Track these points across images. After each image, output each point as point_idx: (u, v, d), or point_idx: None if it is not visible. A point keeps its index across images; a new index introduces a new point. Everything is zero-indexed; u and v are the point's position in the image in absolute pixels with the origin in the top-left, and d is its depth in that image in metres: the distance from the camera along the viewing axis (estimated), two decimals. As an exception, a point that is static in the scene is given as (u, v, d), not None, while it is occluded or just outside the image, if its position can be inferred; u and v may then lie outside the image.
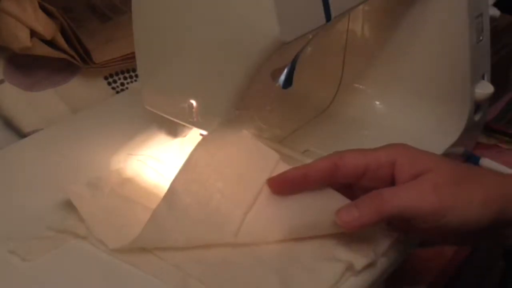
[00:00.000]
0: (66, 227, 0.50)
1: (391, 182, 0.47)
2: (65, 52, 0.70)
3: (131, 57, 0.71)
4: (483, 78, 0.65)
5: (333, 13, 0.47)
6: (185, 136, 0.61)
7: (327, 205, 0.48)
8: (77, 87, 0.72)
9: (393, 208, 0.45)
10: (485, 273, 0.70)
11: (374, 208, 0.45)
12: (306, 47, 0.51)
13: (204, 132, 0.55)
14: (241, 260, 0.48)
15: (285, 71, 0.52)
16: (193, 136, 0.60)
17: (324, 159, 0.48)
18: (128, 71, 0.75)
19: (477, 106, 0.65)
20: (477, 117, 0.65)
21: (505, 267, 0.73)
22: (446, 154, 0.61)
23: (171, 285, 0.46)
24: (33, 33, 0.67)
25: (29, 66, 0.71)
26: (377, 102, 0.67)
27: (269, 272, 0.46)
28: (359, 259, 0.47)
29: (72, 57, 0.70)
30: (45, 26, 0.67)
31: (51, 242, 0.49)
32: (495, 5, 0.77)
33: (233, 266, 0.47)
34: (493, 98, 0.66)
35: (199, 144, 0.51)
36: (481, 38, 0.63)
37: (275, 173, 0.50)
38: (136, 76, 0.75)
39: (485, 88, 0.63)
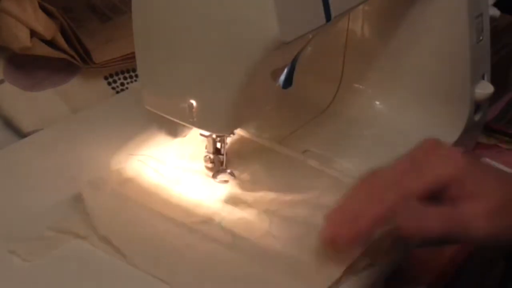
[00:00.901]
0: (67, 227, 0.50)
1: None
2: (65, 52, 0.70)
3: (131, 57, 0.71)
4: (483, 78, 0.65)
5: (333, 13, 0.47)
6: (185, 136, 0.61)
7: None
8: (77, 87, 0.72)
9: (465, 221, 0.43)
10: (485, 273, 0.70)
11: (441, 216, 0.43)
12: (306, 47, 0.51)
13: (204, 132, 0.55)
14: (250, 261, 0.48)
15: (285, 71, 0.52)
16: (193, 136, 0.60)
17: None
18: (128, 71, 0.75)
19: (477, 106, 0.65)
20: (477, 117, 0.65)
21: (505, 267, 0.73)
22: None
23: (175, 284, 0.46)
24: (33, 33, 0.67)
25: (29, 66, 0.71)
26: (377, 102, 0.67)
27: (271, 268, 0.46)
28: (359, 259, 0.47)
29: (72, 57, 0.70)
30: (45, 26, 0.67)
31: (52, 242, 0.49)
32: (495, 5, 0.77)
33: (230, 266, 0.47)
34: (493, 98, 0.66)
35: None
36: (481, 38, 0.63)
37: None
38: (136, 76, 0.75)
39: (485, 88, 0.63)
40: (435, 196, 0.44)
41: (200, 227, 0.51)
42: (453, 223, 0.43)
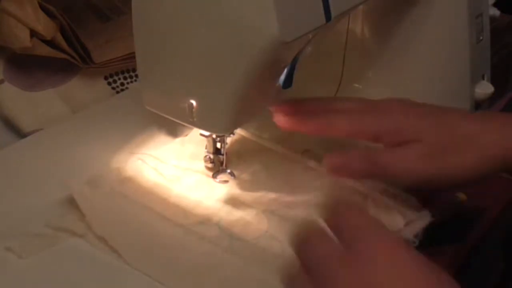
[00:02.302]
0: (64, 226, 0.50)
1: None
2: (65, 52, 0.70)
3: (131, 57, 0.71)
4: (483, 78, 0.65)
5: (333, 13, 0.47)
6: (185, 136, 0.61)
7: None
8: (77, 87, 0.72)
9: (383, 163, 0.48)
10: (485, 274, 0.70)
11: (364, 158, 0.48)
12: (306, 47, 0.51)
13: (204, 132, 0.55)
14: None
15: (285, 71, 0.52)
16: (193, 136, 0.60)
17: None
18: (128, 71, 0.75)
19: (477, 106, 0.65)
20: (477, 117, 0.65)
21: (505, 268, 0.73)
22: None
23: (170, 285, 0.46)
24: (33, 33, 0.67)
25: (29, 66, 0.71)
26: (377, 102, 0.67)
27: (269, 269, 0.46)
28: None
29: (72, 57, 0.70)
30: (45, 26, 0.67)
31: (48, 240, 0.49)
32: (495, 5, 0.77)
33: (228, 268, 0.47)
34: (493, 98, 0.66)
35: None
36: (481, 38, 0.63)
37: None
38: (136, 76, 0.75)
39: (485, 88, 0.63)
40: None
41: (198, 227, 0.51)
42: (373, 164, 0.48)
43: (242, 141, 0.61)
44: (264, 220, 0.51)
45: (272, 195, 0.54)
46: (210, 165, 0.57)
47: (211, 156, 0.56)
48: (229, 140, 0.58)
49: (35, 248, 0.48)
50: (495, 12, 0.75)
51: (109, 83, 0.74)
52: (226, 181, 0.56)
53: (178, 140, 0.61)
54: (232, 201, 0.53)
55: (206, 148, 0.57)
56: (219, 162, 0.56)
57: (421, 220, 0.50)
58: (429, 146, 0.48)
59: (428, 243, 0.52)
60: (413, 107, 0.51)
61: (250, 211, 0.52)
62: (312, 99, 0.55)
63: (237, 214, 0.52)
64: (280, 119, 0.53)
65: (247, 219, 0.51)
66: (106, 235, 0.49)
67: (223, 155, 0.56)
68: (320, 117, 0.52)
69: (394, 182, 0.51)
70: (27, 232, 0.50)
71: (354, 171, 0.49)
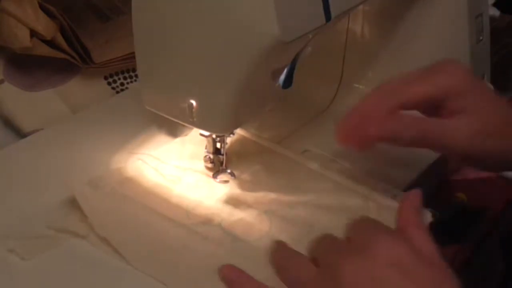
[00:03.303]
0: (66, 227, 0.50)
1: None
2: (65, 52, 0.70)
3: (131, 57, 0.71)
4: (483, 78, 0.65)
5: (333, 13, 0.47)
6: (185, 136, 0.61)
7: None
8: (77, 87, 0.72)
9: (436, 133, 0.47)
10: (485, 274, 0.70)
11: (415, 126, 0.47)
12: (306, 47, 0.51)
13: (204, 132, 0.55)
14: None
15: (285, 71, 0.52)
16: (193, 136, 0.60)
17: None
18: (128, 71, 0.75)
19: (477, 106, 0.65)
20: (477, 117, 0.65)
21: (506, 268, 0.73)
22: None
23: (173, 286, 0.46)
24: (33, 33, 0.67)
25: (29, 66, 0.71)
26: (377, 102, 0.67)
27: (271, 273, 0.46)
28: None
29: (72, 57, 0.70)
30: (45, 26, 0.67)
31: (51, 241, 0.49)
32: (495, 5, 0.77)
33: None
34: (493, 98, 0.66)
35: None
36: (481, 38, 0.62)
37: None
38: (136, 76, 0.75)
39: (485, 88, 0.63)
40: (437, 105, 0.47)
41: (199, 228, 0.51)
42: (424, 133, 0.47)
43: (242, 141, 0.61)
44: (266, 221, 0.51)
45: (272, 195, 0.54)
46: (210, 165, 0.57)
47: (211, 156, 0.56)
48: (229, 140, 0.58)
49: (37, 249, 0.48)
50: (495, 12, 0.75)
51: (109, 83, 0.74)
52: (226, 181, 0.56)
53: (178, 140, 0.61)
54: (233, 202, 0.53)
55: (206, 148, 0.57)
56: (219, 162, 0.56)
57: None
58: (486, 123, 0.47)
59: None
60: (476, 80, 0.49)
61: (251, 211, 0.52)
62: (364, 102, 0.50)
63: (238, 215, 0.52)
64: (342, 137, 0.50)
65: (248, 220, 0.51)
66: (108, 236, 0.49)
67: (223, 155, 0.56)
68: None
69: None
70: (29, 233, 0.50)
71: (402, 138, 0.47)
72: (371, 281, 0.37)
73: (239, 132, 0.61)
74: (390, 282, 0.37)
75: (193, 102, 0.50)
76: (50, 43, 0.69)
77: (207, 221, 0.51)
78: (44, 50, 0.69)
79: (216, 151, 0.56)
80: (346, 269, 0.37)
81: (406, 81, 0.49)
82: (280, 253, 0.42)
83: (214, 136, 0.55)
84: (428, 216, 0.50)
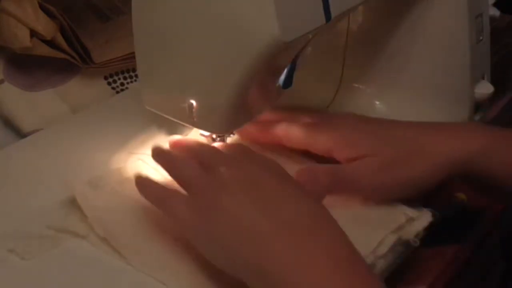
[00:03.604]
0: (66, 227, 0.50)
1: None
2: (65, 52, 0.70)
3: (131, 57, 0.71)
4: (483, 78, 0.65)
5: (333, 13, 0.47)
6: (185, 136, 0.61)
7: None
8: (77, 87, 0.72)
9: (348, 178, 0.51)
10: (485, 274, 0.70)
11: (330, 174, 0.51)
12: (306, 47, 0.51)
13: (204, 132, 0.55)
14: None
15: (285, 71, 0.52)
16: (193, 136, 0.60)
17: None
18: (128, 71, 0.75)
19: (477, 106, 0.65)
20: (477, 117, 0.65)
21: (506, 268, 0.73)
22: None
23: (173, 286, 0.46)
24: (33, 33, 0.67)
25: (29, 66, 0.71)
26: (377, 102, 0.67)
27: None
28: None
29: (72, 57, 0.70)
30: (45, 26, 0.67)
31: (51, 241, 0.49)
32: (495, 5, 0.77)
33: None
34: (493, 98, 0.66)
35: None
36: (481, 38, 0.62)
37: None
38: (136, 76, 0.75)
39: (485, 88, 0.63)
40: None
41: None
42: (339, 177, 0.51)
43: (242, 141, 0.61)
44: None
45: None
46: (210, 165, 0.57)
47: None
48: (229, 140, 0.58)
49: (37, 249, 0.48)
50: (495, 12, 0.75)
51: (109, 83, 0.74)
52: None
53: (178, 140, 0.61)
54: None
55: (206, 148, 0.57)
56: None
57: (422, 220, 0.50)
58: (383, 160, 0.51)
59: (429, 243, 0.52)
60: (365, 124, 0.55)
61: None
62: (274, 111, 0.58)
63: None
64: (243, 131, 0.57)
65: None
66: (108, 236, 0.49)
67: (223, 155, 0.56)
68: (277, 127, 0.56)
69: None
70: (29, 233, 0.50)
71: (323, 186, 0.51)
72: (250, 183, 0.44)
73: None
74: (266, 183, 0.44)
75: (193, 102, 0.50)
76: (50, 43, 0.69)
77: None
78: (44, 50, 0.69)
79: (216, 151, 0.56)
80: (228, 173, 0.45)
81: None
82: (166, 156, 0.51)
83: (214, 136, 0.55)
84: (428, 216, 0.50)
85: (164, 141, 0.60)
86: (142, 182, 0.50)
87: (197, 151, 0.50)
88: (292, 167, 0.55)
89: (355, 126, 0.54)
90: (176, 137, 0.55)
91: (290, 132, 0.55)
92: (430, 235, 0.51)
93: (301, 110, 0.58)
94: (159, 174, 0.56)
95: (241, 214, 0.43)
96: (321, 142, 0.54)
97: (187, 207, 0.45)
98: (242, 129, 0.57)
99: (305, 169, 0.51)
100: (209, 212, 0.44)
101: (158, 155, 0.52)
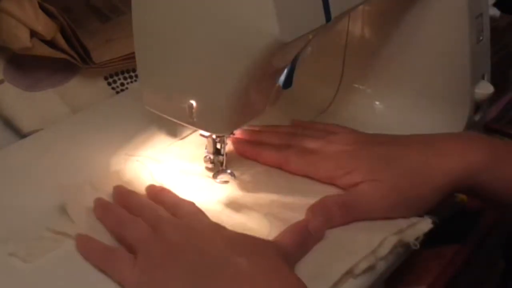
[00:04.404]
0: (66, 228, 0.50)
1: None
2: (65, 52, 0.70)
3: (131, 57, 0.71)
4: (483, 78, 0.65)
5: (333, 13, 0.47)
6: (185, 136, 0.61)
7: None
8: (77, 87, 0.72)
9: (358, 208, 0.51)
10: (485, 274, 0.70)
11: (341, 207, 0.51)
12: (306, 47, 0.51)
13: (204, 133, 0.55)
14: None
15: (285, 71, 0.52)
16: (193, 136, 0.60)
17: (274, 153, 0.57)
18: (128, 71, 0.75)
19: (477, 106, 0.65)
20: (477, 117, 0.65)
21: (505, 268, 0.73)
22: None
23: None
24: (33, 33, 0.67)
25: (29, 66, 0.71)
26: (377, 102, 0.67)
27: None
28: (360, 263, 0.46)
29: (72, 57, 0.70)
30: (45, 26, 0.67)
31: (51, 243, 0.49)
32: (495, 5, 0.77)
33: None
34: (493, 98, 0.66)
35: None
36: (481, 38, 0.62)
37: None
38: (136, 76, 0.75)
39: (485, 88, 0.63)
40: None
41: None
42: (351, 207, 0.51)
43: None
44: (266, 225, 0.51)
45: (273, 197, 0.54)
46: (210, 165, 0.57)
47: (211, 156, 0.56)
48: (229, 140, 0.58)
49: (38, 251, 0.48)
50: (495, 12, 0.75)
51: (109, 83, 0.74)
52: (226, 182, 0.56)
53: (178, 140, 0.61)
54: (233, 203, 0.53)
55: (206, 149, 0.57)
56: (219, 163, 0.56)
57: (422, 225, 0.50)
58: (386, 184, 0.51)
59: (428, 244, 0.52)
60: (360, 147, 0.55)
61: (251, 214, 0.52)
62: (270, 132, 0.60)
63: (238, 218, 0.51)
64: (237, 144, 0.59)
65: (248, 224, 0.51)
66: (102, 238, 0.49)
67: (223, 155, 0.56)
68: (277, 153, 0.57)
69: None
70: (29, 235, 0.49)
71: (339, 220, 0.51)
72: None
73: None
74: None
75: (193, 102, 0.50)
76: (50, 43, 0.69)
77: None
78: (44, 50, 0.68)
79: (216, 152, 0.56)
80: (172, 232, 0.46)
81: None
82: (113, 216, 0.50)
83: (214, 136, 0.55)
84: (428, 222, 0.50)
85: (164, 141, 0.60)
86: (84, 241, 0.49)
87: (143, 208, 0.50)
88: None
89: (351, 152, 0.55)
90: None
91: (289, 159, 0.56)
92: (430, 235, 0.51)
93: (293, 133, 0.60)
94: (158, 175, 0.56)
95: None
96: (321, 172, 0.55)
97: (133, 268, 0.45)
98: (239, 148, 0.59)
99: (317, 207, 0.51)
100: (154, 270, 0.44)
101: (103, 211, 0.51)
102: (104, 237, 0.49)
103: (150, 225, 0.48)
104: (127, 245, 0.47)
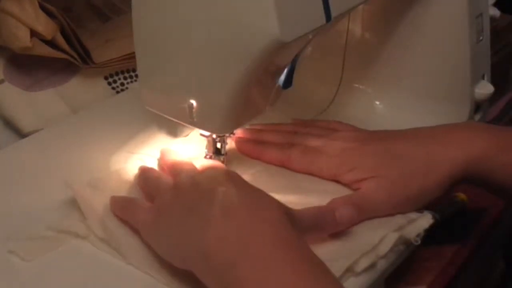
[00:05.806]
0: (66, 227, 0.50)
1: None
2: (65, 52, 0.70)
3: (131, 57, 0.71)
4: (483, 78, 0.65)
5: (333, 13, 0.47)
6: (185, 136, 0.61)
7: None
8: (77, 87, 0.72)
9: (368, 205, 0.51)
10: (485, 274, 0.70)
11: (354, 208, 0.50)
12: (306, 47, 0.51)
13: (204, 132, 0.55)
14: None
15: (285, 71, 0.52)
16: (193, 136, 0.60)
17: (277, 152, 0.57)
18: (128, 71, 0.75)
19: (477, 106, 0.65)
20: (477, 117, 0.65)
21: (505, 268, 0.73)
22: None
23: (174, 286, 0.46)
24: (33, 33, 0.67)
25: (29, 66, 0.71)
26: (377, 102, 0.67)
27: None
28: (360, 261, 0.46)
29: (72, 57, 0.70)
30: (45, 26, 0.67)
31: (51, 242, 0.49)
32: (495, 5, 0.77)
33: None
34: (493, 98, 0.66)
35: None
36: (481, 38, 0.63)
37: None
38: (136, 76, 0.75)
39: (485, 88, 0.63)
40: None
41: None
42: (361, 207, 0.50)
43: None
44: None
45: (273, 196, 0.54)
46: (210, 165, 0.57)
47: (212, 156, 0.56)
48: (229, 140, 0.58)
49: (38, 250, 0.48)
50: (495, 12, 0.75)
51: (109, 83, 0.74)
52: (226, 181, 0.56)
53: (178, 140, 0.61)
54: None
55: (206, 148, 0.57)
56: (219, 162, 0.56)
57: (423, 221, 0.50)
58: (390, 180, 0.52)
59: (429, 243, 0.52)
60: (363, 143, 0.55)
61: None
62: (272, 131, 0.60)
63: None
64: (239, 143, 0.59)
65: None
66: (108, 237, 0.49)
67: (223, 155, 0.56)
68: (279, 151, 0.57)
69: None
70: (29, 234, 0.49)
71: (351, 221, 0.50)
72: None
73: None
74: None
75: (193, 102, 0.50)
76: (50, 43, 0.69)
77: None
78: (44, 50, 0.69)
79: (217, 151, 0.56)
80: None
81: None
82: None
83: (214, 136, 0.55)
84: (428, 218, 0.50)
85: (164, 141, 0.60)
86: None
87: (176, 171, 0.52)
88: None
89: (354, 149, 0.54)
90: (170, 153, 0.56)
91: (292, 157, 0.56)
92: (430, 235, 0.51)
93: (297, 131, 0.60)
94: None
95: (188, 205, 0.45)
96: (324, 169, 0.55)
97: (147, 212, 0.48)
98: (241, 147, 0.59)
99: (329, 210, 0.50)
100: (162, 211, 0.47)
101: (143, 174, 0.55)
102: (114, 232, 0.49)
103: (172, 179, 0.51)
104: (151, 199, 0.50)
